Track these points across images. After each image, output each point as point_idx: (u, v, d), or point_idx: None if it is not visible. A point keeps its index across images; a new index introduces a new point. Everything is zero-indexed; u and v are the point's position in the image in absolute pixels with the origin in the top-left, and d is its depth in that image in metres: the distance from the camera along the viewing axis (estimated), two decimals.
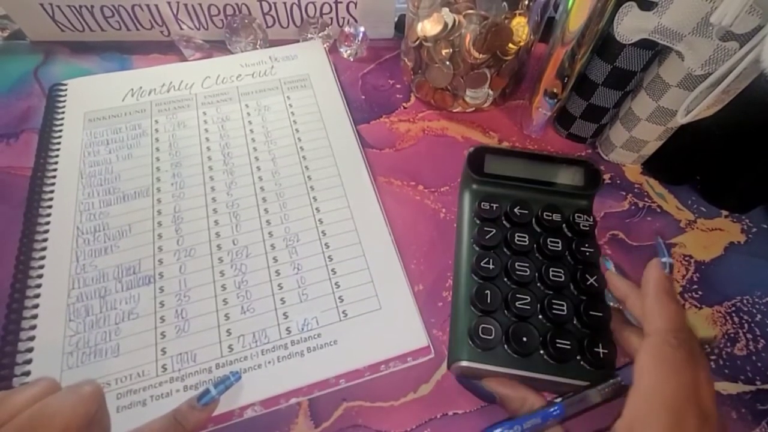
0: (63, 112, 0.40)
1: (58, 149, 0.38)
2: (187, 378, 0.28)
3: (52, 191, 0.35)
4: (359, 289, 0.32)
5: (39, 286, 0.31)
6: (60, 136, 0.38)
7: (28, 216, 0.34)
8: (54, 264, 0.32)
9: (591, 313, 0.28)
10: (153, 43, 0.46)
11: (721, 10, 0.25)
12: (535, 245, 0.31)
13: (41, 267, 0.32)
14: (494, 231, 0.31)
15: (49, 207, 0.34)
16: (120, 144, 0.38)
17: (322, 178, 0.37)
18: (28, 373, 0.28)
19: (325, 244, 0.34)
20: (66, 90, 0.41)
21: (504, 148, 0.40)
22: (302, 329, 0.30)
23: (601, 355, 0.27)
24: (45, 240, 0.33)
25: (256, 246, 0.33)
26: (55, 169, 0.36)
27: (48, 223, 0.34)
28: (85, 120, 0.40)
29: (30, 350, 0.29)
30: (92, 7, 0.42)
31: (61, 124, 0.39)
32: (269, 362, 0.29)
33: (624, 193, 0.38)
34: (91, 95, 0.41)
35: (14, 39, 0.46)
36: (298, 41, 0.46)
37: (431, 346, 0.30)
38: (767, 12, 0.25)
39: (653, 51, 0.32)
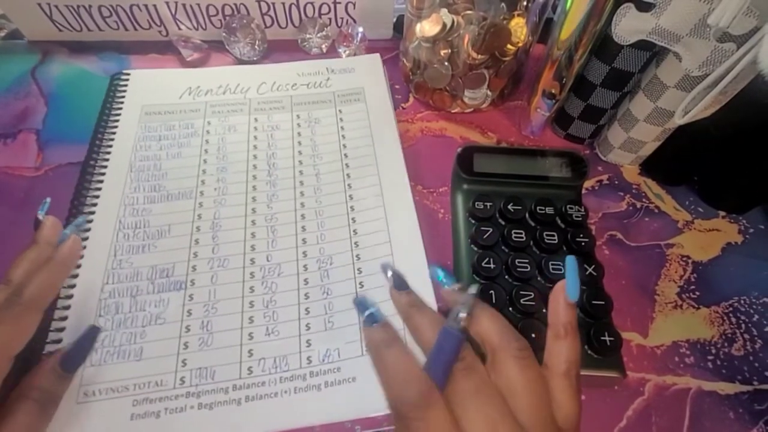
0: (122, 101, 0.39)
1: (113, 138, 0.37)
2: (203, 395, 0.27)
3: (101, 180, 0.35)
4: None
5: (76, 276, 0.30)
6: (116, 125, 0.38)
7: (75, 203, 0.33)
8: (94, 255, 0.31)
9: (594, 302, 0.28)
10: (151, 43, 0.45)
11: (718, 11, 0.25)
12: (531, 240, 0.31)
13: (81, 257, 0.31)
14: (491, 230, 0.31)
15: (96, 197, 0.34)
16: (171, 141, 0.38)
17: (363, 198, 0.35)
18: None
19: (358, 269, 0.32)
20: (128, 80, 0.41)
21: (491, 146, 0.40)
22: (323, 360, 0.29)
23: (608, 343, 0.27)
24: (88, 230, 0.32)
25: (289, 265, 0.32)
26: (107, 159, 0.36)
27: (93, 212, 0.33)
28: (142, 113, 0.39)
29: (58, 341, 0.28)
30: (90, 6, 0.42)
31: (119, 113, 0.39)
32: (285, 392, 0.27)
33: (622, 194, 0.38)
34: (150, 88, 0.41)
35: (11, 38, 0.46)
36: (297, 41, 0.46)
37: None
38: (764, 13, 0.25)
39: (651, 52, 0.32)
